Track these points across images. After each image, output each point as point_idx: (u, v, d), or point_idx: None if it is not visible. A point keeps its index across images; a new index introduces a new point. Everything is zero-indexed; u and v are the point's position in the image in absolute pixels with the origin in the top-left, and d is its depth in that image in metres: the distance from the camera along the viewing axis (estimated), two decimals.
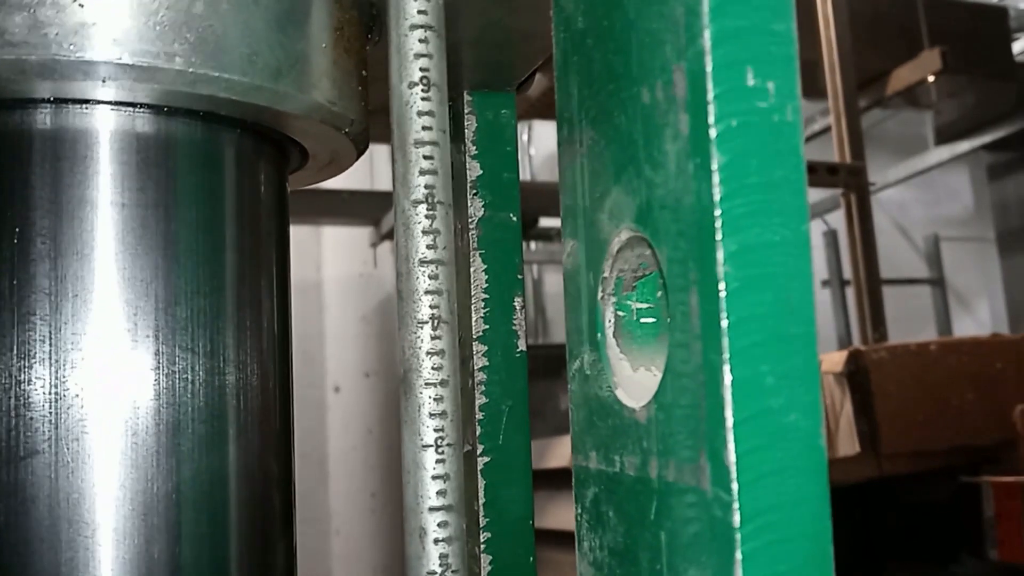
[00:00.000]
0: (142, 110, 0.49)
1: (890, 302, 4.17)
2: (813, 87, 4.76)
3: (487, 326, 0.74)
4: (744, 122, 0.40)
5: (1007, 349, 2.75)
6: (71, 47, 0.45)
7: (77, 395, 0.46)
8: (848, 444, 2.61)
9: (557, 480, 3.15)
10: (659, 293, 0.50)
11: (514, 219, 0.76)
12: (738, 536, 0.38)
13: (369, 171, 4.48)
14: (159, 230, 0.48)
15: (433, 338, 0.52)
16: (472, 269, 0.75)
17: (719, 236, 0.39)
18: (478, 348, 0.74)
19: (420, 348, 0.52)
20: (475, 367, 0.74)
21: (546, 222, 5.11)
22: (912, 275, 6.47)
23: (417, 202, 0.53)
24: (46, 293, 0.46)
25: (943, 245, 6.59)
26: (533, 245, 5.44)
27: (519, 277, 0.76)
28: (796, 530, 0.39)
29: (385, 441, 4.90)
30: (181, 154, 0.50)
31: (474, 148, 0.74)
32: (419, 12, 0.54)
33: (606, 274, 0.51)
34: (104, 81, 0.46)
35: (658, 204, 0.44)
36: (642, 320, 0.51)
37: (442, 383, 0.52)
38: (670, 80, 0.43)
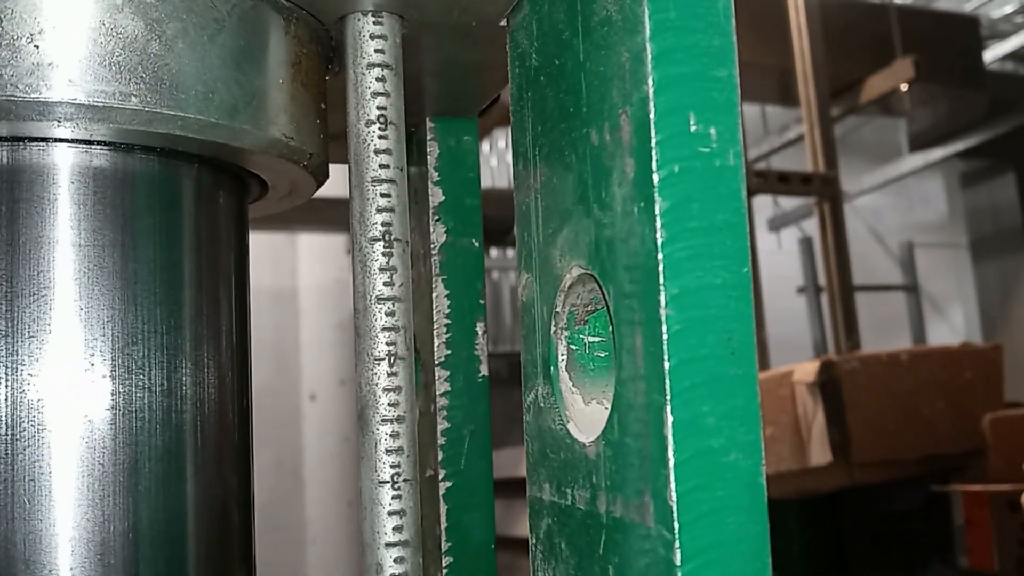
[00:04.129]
0: (99, 147, 0.50)
1: (865, 308, 4.21)
2: (787, 95, 4.80)
3: (449, 351, 0.75)
4: (686, 167, 0.41)
5: (976, 359, 2.78)
6: (27, 88, 0.45)
7: (34, 435, 0.46)
8: (820, 453, 2.64)
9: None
10: (610, 327, 0.51)
11: (476, 244, 0.77)
12: (679, 573, 0.39)
13: (344, 179, 4.47)
14: (116, 270, 0.48)
15: (389, 375, 0.53)
16: (434, 295, 0.75)
17: (662, 279, 0.40)
18: (440, 373, 0.75)
19: (377, 385, 0.53)
20: (437, 392, 0.75)
21: None
22: (886, 281, 6.53)
23: (374, 239, 0.54)
24: (2, 334, 0.46)
25: (917, 251, 6.65)
26: (506, 253, 5.44)
27: (481, 302, 0.76)
28: (736, 567, 0.40)
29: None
30: (139, 191, 0.51)
31: (436, 174, 0.75)
32: (376, 51, 0.54)
33: (559, 309, 0.51)
34: (60, 121, 0.47)
35: (606, 244, 0.45)
36: (594, 354, 0.52)
37: (398, 419, 0.53)
38: (617, 124, 0.44)
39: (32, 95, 0.45)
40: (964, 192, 6.66)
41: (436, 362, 0.75)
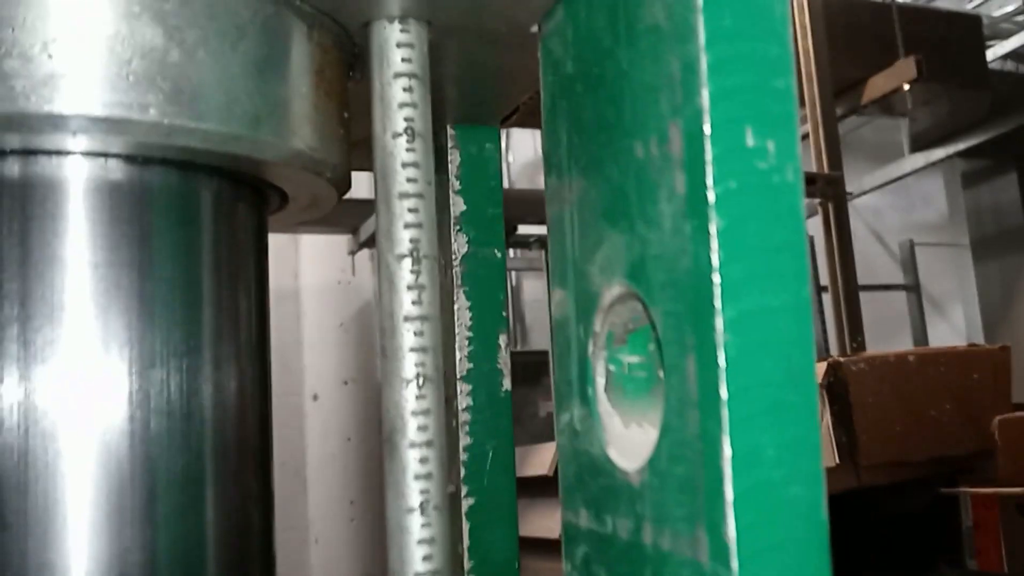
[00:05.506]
0: (115, 160, 0.47)
1: (866, 308, 4.18)
2: None
3: (471, 365, 0.73)
4: (743, 184, 0.39)
5: (983, 359, 2.76)
6: (39, 99, 0.43)
7: (47, 464, 0.43)
8: (827, 456, 2.61)
9: (535, 488, 3.13)
10: (651, 347, 0.49)
11: (498, 255, 0.74)
12: None
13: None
14: (134, 289, 0.46)
15: (418, 397, 0.51)
16: (456, 306, 0.73)
17: (718, 302, 0.38)
18: (462, 388, 0.72)
19: (405, 408, 0.50)
20: (459, 407, 0.72)
21: (524, 229, 5.10)
22: (887, 281, 6.51)
23: (401, 256, 0.51)
24: (14, 358, 0.44)
25: (918, 251, 6.63)
26: (512, 252, 5.42)
27: (504, 314, 0.74)
28: None
29: (364, 449, 4.87)
30: (156, 206, 0.48)
31: (458, 183, 0.73)
32: (403, 60, 0.52)
33: (597, 328, 0.49)
34: (75, 134, 0.44)
35: (652, 263, 0.43)
36: (634, 374, 0.49)
37: (428, 443, 0.50)
38: (665, 136, 0.41)
39: (45, 107, 0.43)
40: (966, 192, 6.63)
41: (458, 376, 0.72)
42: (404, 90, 0.52)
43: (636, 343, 0.49)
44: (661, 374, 0.48)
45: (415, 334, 0.51)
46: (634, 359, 0.49)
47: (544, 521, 3.23)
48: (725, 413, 0.38)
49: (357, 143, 0.60)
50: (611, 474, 0.47)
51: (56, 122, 0.43)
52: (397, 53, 0.52)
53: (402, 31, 0.53)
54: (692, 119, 0.39)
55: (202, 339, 0.49)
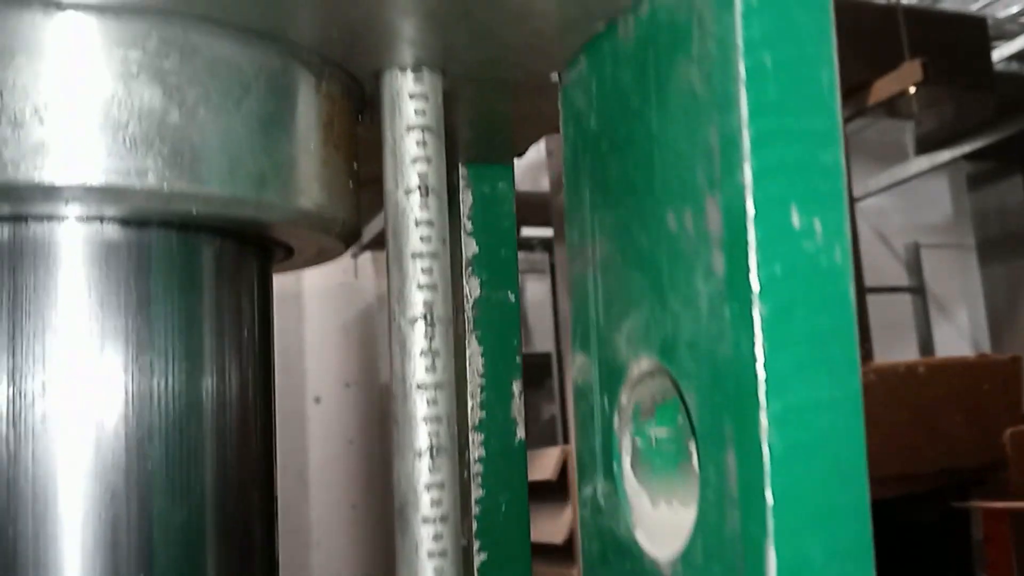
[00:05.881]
0: (111, 223, 0.44)
1: (871, 310, 4.15)
2: None
3: (484, 414, 0.70)
4: (789, 267, 0.36)
5: (994, 370, 2.73)
6: (30, 169, 0.40)
7: (40, 542, 0.41)
8: None
9: (540, 493, 3.10)
10: (680, 419, 0.46)
11: (512, 298, 0.71)
12: None
13: None
14: (131, 361, 0.43)
15: (432, 470, 0.48)
16: (468, 353, 0.70)
17: (762, 397, 0.35)
18: (475, 438, 0.69)
19: (417, 481, 0.48)
20: (472, 458, 0.69)
21: (527, 231, 5.07)
22: (892, 283, 6.48)
23: (414, 320, 0.48)
24: (3, 440, 0.41)
25: (923, 252, 6.60)
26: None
27: (518, 361, 0.71)
28: None
29: (365, 452, 4.86)
30: (155, 271, 0.46)
31: (470, 224, 0.70)
32: (416, 112, 0.49)
33: (623, 401, 0.46)
34: (68, 202, 0.42)
35: (686, 343, 0.40)
36: (662, 448, 0.47)
37: (442, 519, 0.47)
38: (702, 210, 0.39)
39: (36, 177, 0.40)
40: (971, 194, 6.60)
41: (470, 426, 0.70)
42: (417, 144, 0.49)
43: (665, 415, 0.46)
44: (694, 458, 0.45)
45: (428, 402, 0.49)
46: (662, 432, 0.46)
47: (548, 526, 3.20)
48: (771, 520, 0.35)
49: (365, 181, 0.57)
50: (639, 559, 0.45)
51: (48, 192, 0.41)
52: (410, 104, 0.49)
53: (415, 81, 0.50)
54: (733, 196, 0.36)
55: (203, 411, 0.46)
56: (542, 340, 5.59)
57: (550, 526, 3.36)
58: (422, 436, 0.48)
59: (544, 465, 3.29)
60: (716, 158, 0.38)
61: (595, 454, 0.48)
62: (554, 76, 0.52)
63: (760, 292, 0.35)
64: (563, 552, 4.50)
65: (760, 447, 0.35)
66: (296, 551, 4.54)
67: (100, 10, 0.42)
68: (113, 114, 0.41)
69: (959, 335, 6.78)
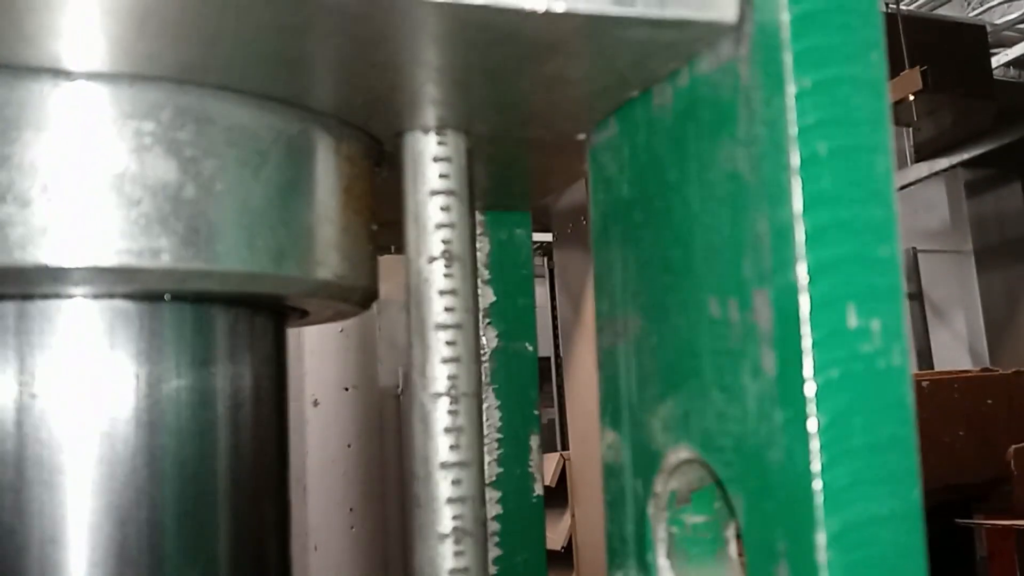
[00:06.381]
0: (122, 300, 0.42)
1: None
2: None
3: (501, 469, 0.68)
4: (846, 372, 0.34)
5: (998, 385, 2.72)
6: (37, 251, 0.37)
7: None
8: None
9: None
10: (717, 505, 0.44)
11: (530, 349, 0.69)
12: None
13: None
14: (141, 447, 0.41)
15: (456, 554, 0.46)
16: (484, 406, 0.68)
17: (819, 513, 0.33)
18: (491, 495, 0.67)
19: (441, 567, 0.45)
20: (488, 515, 0.67)
21: None
22: None
23: (437, 395, 0.46)
24: (8, 530, 0.39)
25: (921, 258, 6.59)
26: None
27: (536, 413, 0.69)
28: None
29: (364, 455, 4.82)
30: (167, 345, 0.43)
31: (487, 272, 0.68)
32: (441, 176, 0.47)
33: (658, 489, 0.44)
34: (77, 284, 0.39)
35: (731, 441, 0.38)
36: (699, 535, 0.45)
37: None
38: (748, 303, 0.36)
39: (43, 260, 0.38)
40: (969, 201, 6.59)
41: (487, 482, 0.67)
42: (442, 209, 0.47)
43: (702, 502, 0.44)
44: (732, 546, 0.43)
45: (453, 483, 0.46)
46: (699, 519, 0.44)
47: (547, 533, 3.19)
48: None
49: (381, 224, 0.55)
50: None
51: (56, 275, 0.38)
52: (434, 168, 0.47)
53: (439, 144, 0.48)
54: (785, 293, 0.34)
55: (216, 498, 0.44)
56: (541, 344, 5.57)
57: (549, 533, 3.33)
58: (446, 519, 0.46)
59: (545, 468, 3.26)
60: (766, 250, 0.35)
61: (627, 541, 0.46)
62: (581, 135, 0.50)
63: (817, 400, 0.33)
64: (562, 559, 4.47)
65: (816, 569, 0.33)
66: (294, 555, 4.51)
67: (112, 79, 0.40)
68: (126, 191, 0.39)
69: (956, 341, 6.77)
